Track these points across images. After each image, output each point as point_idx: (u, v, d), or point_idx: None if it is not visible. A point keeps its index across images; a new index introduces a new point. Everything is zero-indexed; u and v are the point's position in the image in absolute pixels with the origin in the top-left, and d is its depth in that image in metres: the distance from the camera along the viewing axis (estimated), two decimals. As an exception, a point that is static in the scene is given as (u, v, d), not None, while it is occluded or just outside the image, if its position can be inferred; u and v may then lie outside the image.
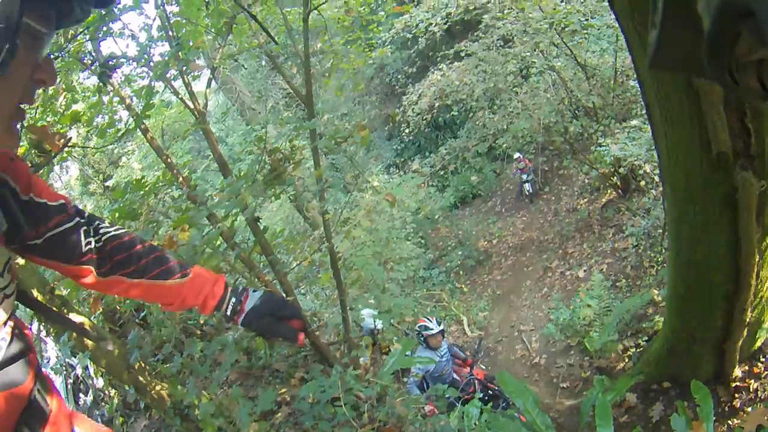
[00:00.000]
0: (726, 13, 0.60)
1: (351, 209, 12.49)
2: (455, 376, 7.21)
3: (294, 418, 4.60)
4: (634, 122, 9.67)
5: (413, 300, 11.79)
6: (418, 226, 15.71)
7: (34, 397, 1.37)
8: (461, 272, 15.18)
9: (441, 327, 7.06)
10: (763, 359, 4.95)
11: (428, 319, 7.15)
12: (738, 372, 4.90)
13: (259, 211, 6.17)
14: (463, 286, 14.42)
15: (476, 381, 7.00)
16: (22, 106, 1.11)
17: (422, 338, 7.04)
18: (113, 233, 1.64)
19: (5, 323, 1.30)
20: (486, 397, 6.63)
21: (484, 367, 8.31)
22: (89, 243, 1.56)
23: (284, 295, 6.08)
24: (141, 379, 4.30)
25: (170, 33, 4.98)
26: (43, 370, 1.50)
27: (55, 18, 1.08)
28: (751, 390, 4.81)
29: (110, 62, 4.59)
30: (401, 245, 13.81)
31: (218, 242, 4.97)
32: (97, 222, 1.63)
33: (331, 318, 8.39)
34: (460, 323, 11.94)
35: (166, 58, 4.79)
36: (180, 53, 4.82)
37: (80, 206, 1.65)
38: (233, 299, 1.69)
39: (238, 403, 4.22)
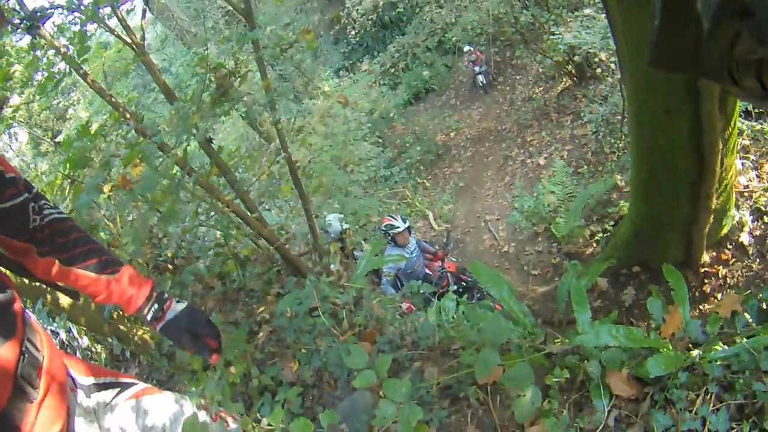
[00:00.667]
0: (726, 13, 0.60)
1: (305, 117, 12.32)
2: (427, 271, 7.30)
3: (275, 335, 4.62)
4: (587, 11, 9.57)
5: (377, 200, 11.84)
6: (374, 126, 15.58)
7: (26, 347, 1.40)
8: (422, 167, 15.21)
9: (407, 224, 7.07)
10: (730, 246, 5.09)
11: (392, 217, 7.14)
12: (706, 257, 5.06)
13: (211, 132, 6.02)
14: (425, 181, 14.49)
15: (449, 274, 7.11)
16: None
17: (389, 237, 7.05)
18: (56, 215, 1.69)
19: None
20: (460, 289, 6.74)
21: (454, 260, 8.42)
22: (35, 221, 1.60)
23: (249, 213, 6.03)
24: (122, 327, 4.28)
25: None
26: (27, 313, 1.53)
27: None
28: (720, 276, 4.98)
29: (37, 14, 4.32)
30: (359, 147, 13.77)
31: (174, 171, 4.86)
32: (42, 201, 1.67)
33: (298, 228, 8.37)
34: (426, 218, 12.06)
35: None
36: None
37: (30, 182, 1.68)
38: (155, 306, 1.78)
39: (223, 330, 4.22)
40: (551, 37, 9.93)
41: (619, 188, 7.46)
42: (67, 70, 4.86)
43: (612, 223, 6.97)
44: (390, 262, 6.53)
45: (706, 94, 3.94)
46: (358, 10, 13.63)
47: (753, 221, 5.19)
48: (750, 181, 5.52)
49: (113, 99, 4.95)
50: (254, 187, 7.15)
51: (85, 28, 4.69)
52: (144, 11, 5.63)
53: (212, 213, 5.82)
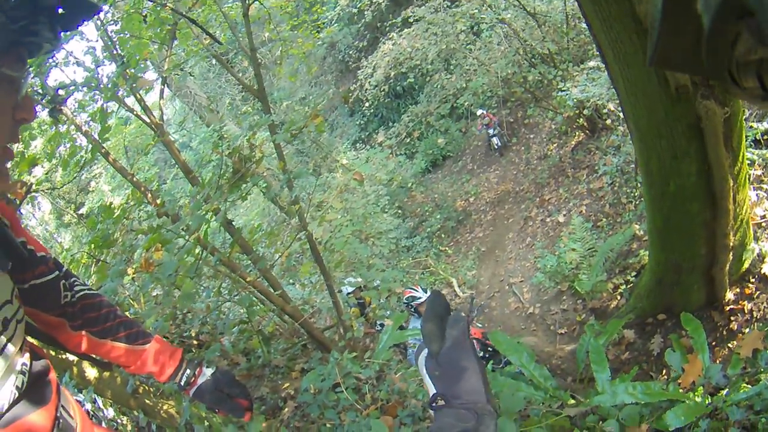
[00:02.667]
0: (726, 13, 0.60)
1: (324, 191, 12.48)
2: None
3: (300, 410, 4.59)
4: (591, 63, 9.66)
5: (400, 271, 11.81)
6: (393, 196, 15.70)
7: (60, 413, 1.43)
8: (443, 235, 15.21)
9: (428, 293, 7.03)
10: (753, 279, 5.01)
11: (413, 288, 7.17)
12: (730, 295, 4.97)
13: (233, 210, 6.13)
14: (447, 248, 14.46)
15: (474, 340, 7.03)
16: (8, 146, 1.14)
17: (412, 309, 7.06)
18: (86, 291, 1.74)
19: (22, 347, 1.36)
20: (486, 355, 6.67)
21: (480, 326, 8.35)
22: (66, 296, 1.64)
23: (272, 290, 6.06)
24: (147, 401, 4.29)
25: (115, 51, 4.91)
26: (61, 386, 1.57)
27: (27, 56, 1.10)
28: (746, 311, 4.88)
29: (58, 92, 4.51)
30: (379, 219, 13.84)
31: (197, 250, 4.95)
32: (72, 278, 1.71)
33: (323, 303, 8.38)
34: (451, 285, 11.98)
35: (114, 78, 4.72)
36: (127, 70, 4.76)
37: (59, 260, 1.74)
38: (188, 371, 1.83)
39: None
40: (560, 93, 10.03)
41: (639, 237, 7.41)
42: (89, 148, 5.03)
43: (634, 273, 6.90)
44: (410, 336, 6.52)
45: (710, 133, 3.95)
46: (370, 82, 13.89)
47: None
48: (766, 210, 5.47)
49: (134, 178, 5.10)
50: (276, 263, 7.22)
51: (105, 104, 4.86)
52: (162, 91, 5.83)
53: (235, 291, 5.89)
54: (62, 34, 1.14)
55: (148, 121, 5.12)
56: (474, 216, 15.34)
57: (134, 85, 4.85)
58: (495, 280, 11.46)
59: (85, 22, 1.32)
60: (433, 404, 1.03)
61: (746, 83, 0.68)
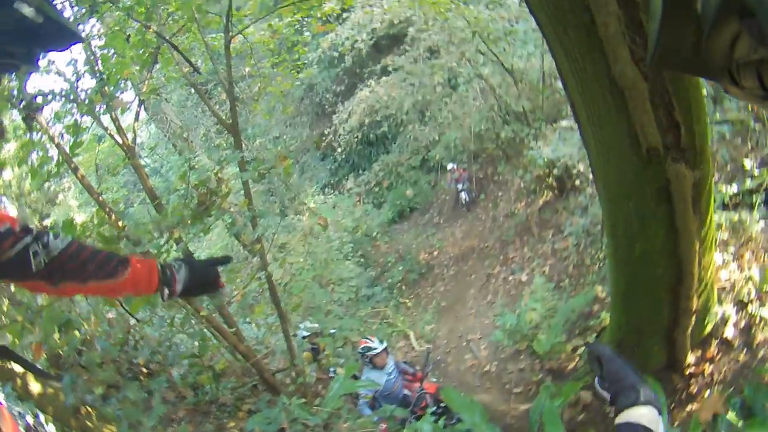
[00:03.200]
0: (726, 13, 0.61)
1: (288, 233, 12.38)
2: (406, 391, 7.15)
3: (244, 453, 4.45)
4: (564, 123, 9.77)
5: (358, 320, 11.72)
6: (357, 244, 15.67)
7: None
8: (404, 287, 15.15)
9: (384, 345, 7.08)
10: (715, 342, 5.03)
11: (369, 339, 7.14)
12: (691, 358, 4.96)
13: (195, 242, 6.03)
14: (407, 300, 14.39)
15: (427, 395, 6.95)
16: None
17: (367, 359, 6.99)
18: (62, 247, 1.71)
19: None
20: (439, 410, 6.55)
21: (435, 380, 8.23)
22: (39, 262, 1.63)
23: (227, 326, 5.94)
24: (89, 423, 4.19)
25: (97, 67, 4.87)
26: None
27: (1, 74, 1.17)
28: (706, 374, 4.88)
29: (36, 99, 4.45)
30: (341, 266, 13.80)
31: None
32: (45, 237, 1.69)
33: (277, 344, 8.23)
34: (408, 338, 11.88)
35: (91, 94, 4.68)
36: (105, 88, 4.73)
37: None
38: (165, 290, 1.89)
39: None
40: (531, 151, 10.13)
41: (601, 300, 7.41)
42: (59, 159, 4.95)
43: (594, 335, 6.87)
44: (361, 388, 6.43)
45: (679, 197, 3.96)
46: (344, 127, 13.97)
47: (736, 313, 5.13)
48: (731, 273, 5.50)
49: (100, 198, 5.01)
50: (234, 300, 7.09)
51: (81, 118, 4.82)
52: (137, 113, 5.78)
53: (189, 324, 5.75)
54: (39, 57, 1.19)
55: (120, 142, 5.06)
56: (437, 270, 15.32)
57: (110, 103, 4.81)
58: (453, 335, 11.37)
59: (65, 50, 1.34)
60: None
61: (746, 83, 0.69)
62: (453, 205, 17.89)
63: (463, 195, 16.72)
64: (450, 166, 16.38)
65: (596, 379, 1.51)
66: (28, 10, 1.06)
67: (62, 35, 1.20)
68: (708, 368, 4.89)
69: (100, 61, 4.96)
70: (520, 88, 12.16)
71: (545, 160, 9.76)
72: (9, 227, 1.56)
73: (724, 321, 5.05)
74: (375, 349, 6.93)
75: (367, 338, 7.24)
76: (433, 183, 19.13)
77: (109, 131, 5.31)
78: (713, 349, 5.00)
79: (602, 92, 3.80)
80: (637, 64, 3.55)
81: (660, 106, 3.71)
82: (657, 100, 3.67)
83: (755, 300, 5.12)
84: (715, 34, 0.65)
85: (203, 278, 1.97)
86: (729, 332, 5.01)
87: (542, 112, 11.90)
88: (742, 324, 5.06)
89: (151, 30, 5.05)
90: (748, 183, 6.16)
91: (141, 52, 5.36)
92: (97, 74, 4.89)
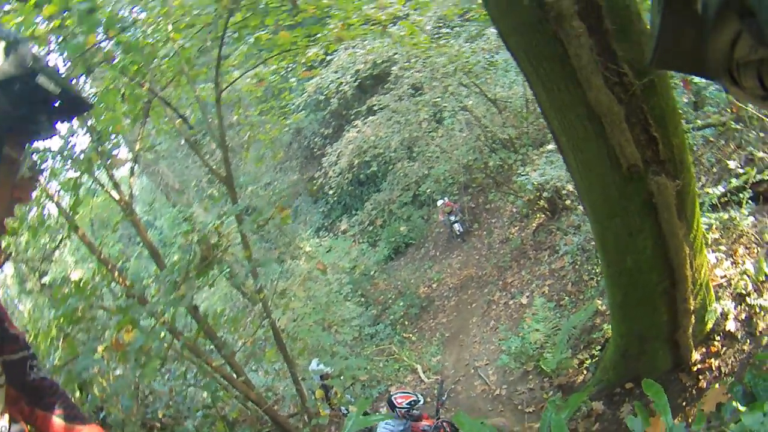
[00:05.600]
0: (726, 13, 0.62)
1: (287, 278, 12.44)
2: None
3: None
4: (550, 146, 9.91)
5: (364, 359, 11.72)
6: (356, 284, 15.66)
7: None
8: (406, 322, 15.11)
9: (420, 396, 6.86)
10: (718, 337, 5.12)
11: (408, 392, 6.92)
12: (696, 356, 5.06)
13: (197, 292, 6.12)
14: (410, 335, 14.36)
15: (445, 423, 6.91)
16: (4, 222, 1.30)
17: (413, 412, 6.82)
18: (43, 375, 1.83)
19: (2, 410, 1.50)
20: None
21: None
22: (29, 375, 1.77)
23: (236, 376, 5.99)
24: None
25: (90, 122, 4.98)
26: None
27: (26, 141, 1.27)
28: (713, 368, 4.98)
29: (32, 156, 4.55)
30: (342, 307, 13.82)
31: (163, 335, 4.93)
32: (35, 360, 1.82)
33: (287, 389, 8.25)
34: (415, 372, 11.85)
35: (88, 152, 4.80)
36: (101, 146, 4.84)
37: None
38: None
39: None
40: (519, 177, 10.27)
41: (602, 312, 7.50)
42: (58, 219, 5.03)
43: (599, 347, 6.96)
44: (375, 420, 6.37)
45: (663, 207, 4.11)
46: (334, 169, 14.08)
47: (736, 307, 5.25)
48: (726, 270, 5.61)
49: (102, 255, 5.09)
50: (240, 350, 7.14)
51: (77, 176, 4.90)
52: (132, 168, 5.87)
53: (200, 376, 5.81)
54: (57, 124, 1.29)
55: (117, 197, 5.15)
56: (437, 302, 15.32)
57: (108, 162, 4.92)
58: (460, 364, 11.38)
59: (77, 117, 1.47)
60: None
61: (746, 83, 0.70)
62: (447, 237, 17.93)
63: (457, 226, 16.78)
64: (440, 202, 16.51)
65: None
66: (46, 82, 1.17)
67: (77, 104, 1.31)
68: (715, 363, 4.99)
69: (93, 118, 5.06)
70: (504, 116, 12.38)
71: (534, 184, 9.90)
72: (16, 335, 1.69)
73: (724, 316, 5.17)
74: (419, 401, 6.75)
75: (404, 392, 6.94)
76: (426, 217, 19.19)
77: (105, 188, 5.40)
78: (717, 344, 5.11)
79: (580, 119, 4.00)
80: (611, 89, 3.74)
81: (636, 125, 3.90)
82: (633, 119, 3.86)
83: (753, 292, 5.25)
84: (715, 34, 0.66)
85: None
86: (731, 325, 5.12)
87: (528, 138, 12.11)
88: (743, 316, 5.18)
89: (145, 87, 5.20)
90: (734, 182, 6.32)
91: (133, 107, 5.48)
92: (93, 131, 4.98)
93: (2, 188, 1.23)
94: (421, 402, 6.77)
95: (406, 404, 6.82)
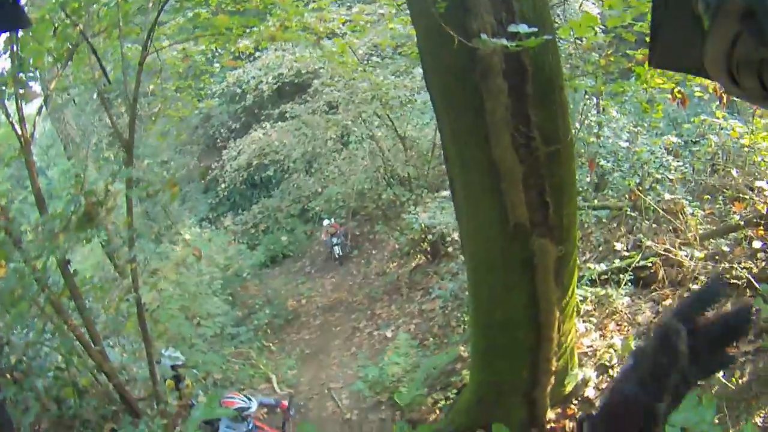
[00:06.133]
0: (726, 13, 0.62)
1: (161, 260, 12.17)
2: None
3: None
4: (445, 193, 10.17)
5: (221, 357, 11.61)
6: (227, 282, 15.46)
7: None
8: (269, 331, 15.01)
9: (253, 402, 6.82)
10: (576, 401, 5.43)
11: (236, 398, 6.83)
12: (551, 414, 5.32)
13: (70, 254, 5.96)
14: (271, 344, 14.28)
15: None
16: None
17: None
18: None
19: None
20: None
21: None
22: None
23: (92, 343, 5.86)
24: None
25: (14, 48, 4.81)
26: None
27: None
28: (567, 430, 5.25)
29: None
30: (209, 301, 13.61)
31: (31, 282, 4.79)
32: None
33: (140, 372, 8.07)
34: (270, 381, 11.81)
35: (5, 76, 4.61)
36: (21, 74, 4.69)
37: None
38: None
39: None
40: (409, 215, 10.53)
41: (463, 358, 7.75)
42: None
43: (455, 391, 7.18)
44: (223, 415, 6.34)
45: (542, 269, 4.39)
46: (232, 164, 13.95)
47: (597, 376, 5.56)
48: (593, 341, 5.98)
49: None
50: (101, 319, 6.96)
51: None
52: (41, 107, 5.68)
53: (56, 334, 5.63)
54: None
55: (20, 132, 4.97)
56: (303, 318, 15.35)
57: (21, 91, 4.76)
58: (315, 382, 11.43)
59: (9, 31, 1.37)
60: None
61: (746, 83, 0.68)
62: (326, 257, 18.07)
63: (337, 249, 16.94)
64: (326, 222, 16.73)
65: None
66: None
67: (16, 16, 1.16)
68: (569, 424, 5.27)
69: (18, 45, 4.85)
70: (408, 154, 12.64)
71: (422, 225, 10.18)
72: None
73: (585, 382, 5.48)
74: (249, 408, 6.73)
75: (232, 397, 6.80)
76: (309, 233, 19.28)
77: (10, 119, 5.18)
78: (574, 407, 5.41)
79: (479, 172, 4.24)
80: (516, 149, 4.00)
81: (533, 188, 4.16)
82: (531, 181, 4.13)
83: (616, 365, 5.59)
84: (715, 34, 0.65)
85: None
86: (590, 392, 5.43)
87: (426, 181, 12.42)
88: (603, 386, 5.50)
89: (78, 28, 5.06)
90: (617, 263, 6.78)
91: (59, 46, 5.31)
92: (14, 57, 4.79)
93: None
94: (252, 409, 6.75)
95: (233, 409, 6.74)
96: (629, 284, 6.57)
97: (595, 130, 7.86)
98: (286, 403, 7.35)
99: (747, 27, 0.60)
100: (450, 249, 11.27)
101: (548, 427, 5.30)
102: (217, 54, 8.35)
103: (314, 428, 4.66)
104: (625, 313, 6.31)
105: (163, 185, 5.04)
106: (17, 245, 4.52)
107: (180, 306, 11.82)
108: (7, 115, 5.09)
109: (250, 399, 6.81)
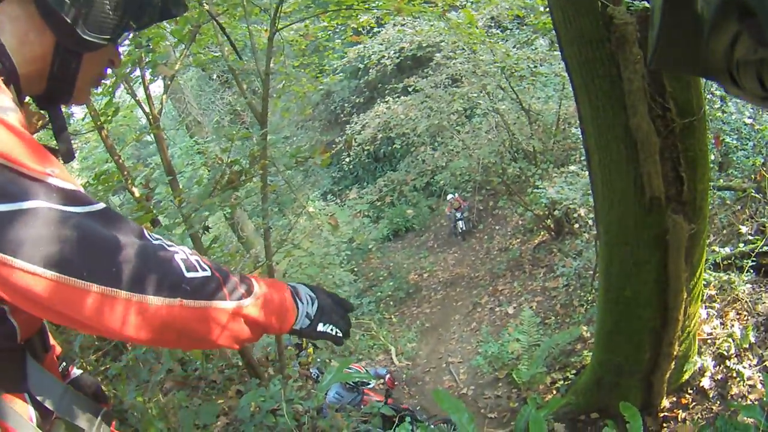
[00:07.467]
0: (726, 13, 0.62)
1: (288, 231, 12.54)
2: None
3: (233, 427, 4.59)
4: (572, 168, 9.89)
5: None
6: (351, 255, 15.77)
7: None
8: (391, 303, 15.24)
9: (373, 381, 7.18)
10: (691, 391, 5.18)
11: (365, 371, 7.12)
12: (666, 403, 5.10)
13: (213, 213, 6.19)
14: (392, 316, 14.48)
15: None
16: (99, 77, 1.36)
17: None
18: None
19: None
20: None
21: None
22: None
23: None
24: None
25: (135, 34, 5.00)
26: None
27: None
28: (679, 420, 5.02)
29: None
30: (334, 271, 13.91)
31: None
32: None
33: (264, 338, 8.36)
34: (388, 353, 11.98)
35: (134, 56, 4.78)
36: (150, 54, 4.86)
37: None
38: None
39: (180, 407, 4.22)
40: (535, 190, 10.29)
41: (584, 339, 7.56)
42: (87, 120, 5.06)
43: (574, 371, 7.03)
44: (358, 378, 6.54)
45: (674, 246, 4.18)
46: (356, 139, 14.10)
47: (714, 366, 5.28)
48: (714, 329, 5.68)
49: (120, 160, 5.14)
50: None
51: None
52: (167, 86, 5.90)
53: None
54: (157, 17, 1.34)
55: (147, 110, 5.17)
56: (424, 292, 15.45)
57: (155, 69, 4.94)
58: (434, 356, 11.50)
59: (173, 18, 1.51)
60: None
61: (746, 84, 0.69)
62: (449, 231, 18.08)
63: (461, 224, 16.92)
64: (450, 196, 16.70)
65: None
66: None
67: (178, 5, 1.34)
68: (681, 414, 5.05)
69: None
70: (533, 128, 12.37)
71: (548, 200, 9.94)
72: None
73: (702, 371, 5.22)
74: (369, 384, 7.00)
75: (356, 370, 7.03)
76: (434, 207, 19.33)
77: (137, 98, 5.39)
78: (689, 397, 5.18)
79: (617, 141, 4.05)
80: (653, 120, 3.81)
81: (668, 161, 3.96)
82: (666, 155, 3.92)
83: (734, 356, 5.29)
84: (715, 34, 0.65)
85: (333, 319, 1.47)
86: (706, 382, 5.16)
87: (551, 155, 12.13)
88: (719, 377, 5.22)
89: (205, 7, 5.19)
90: (742, 247, 6.38)
91: (180, 29, 5.47)
92: (142, 39, 4.96)
93: (110, 47, 1.25)
94: (371, 385, 6.97)
95: (353, 382, 6.98)
96: (751, 271, 6.16)
97: (718, 105, 7.36)
98: (391, 379, 7.50)
99: (747, 27, 0.61)
100: (576, 226, 10.95)
101: (661, 415, 5.08)
102: (339, 30, 8.38)
103: (448, 393, 4.66)
104: (746, 301, 5.93)
105: (314, 151, 5.09)
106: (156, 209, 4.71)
107: (308, 275, 12.15)
108: (134, 95, 5.29)
109: (370, 375, 7.01)
